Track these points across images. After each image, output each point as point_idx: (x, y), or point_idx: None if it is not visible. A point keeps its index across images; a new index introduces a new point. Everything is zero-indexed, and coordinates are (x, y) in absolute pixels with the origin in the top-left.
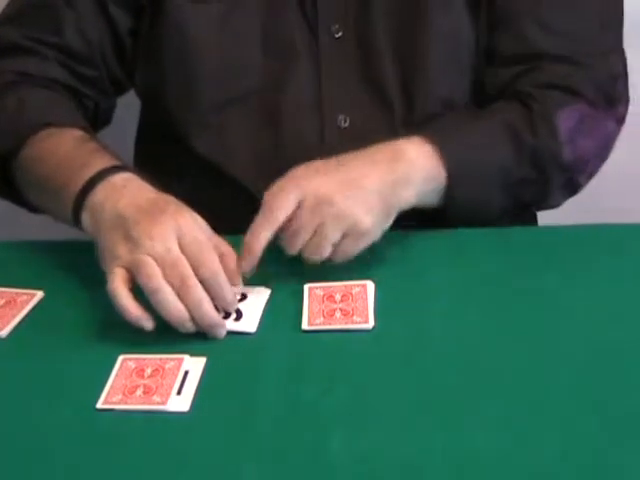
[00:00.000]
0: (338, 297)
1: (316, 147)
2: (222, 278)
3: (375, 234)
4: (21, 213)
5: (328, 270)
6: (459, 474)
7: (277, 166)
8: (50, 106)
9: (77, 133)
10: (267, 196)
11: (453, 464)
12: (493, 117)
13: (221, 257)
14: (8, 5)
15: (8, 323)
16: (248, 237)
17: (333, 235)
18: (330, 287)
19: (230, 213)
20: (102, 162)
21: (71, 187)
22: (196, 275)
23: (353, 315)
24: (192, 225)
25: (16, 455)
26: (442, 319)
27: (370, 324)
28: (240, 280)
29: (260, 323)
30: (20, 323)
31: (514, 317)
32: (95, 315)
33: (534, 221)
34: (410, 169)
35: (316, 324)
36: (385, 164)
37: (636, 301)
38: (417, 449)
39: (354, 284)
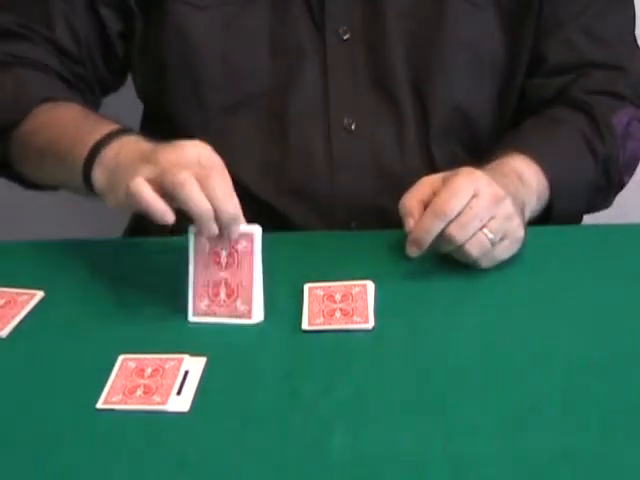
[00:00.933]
0: (338, 297)
1: (322, 149)
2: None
3: (520, 246)
4: (21, 213)
5: (328, 270)
6: (459, 473)
7: (283, 168)
8: (48, 83)
9: (78, 107)
10: (441, 185)
11: (453, 463)
12: (571, 131)
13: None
14: None
15: (8, 323)
16: (418, 226)
17: (498, 233)
18: (330, 287)
19: None
20: (109, 127)
21: (78, 149)
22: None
23: (353, 315)
24: (210, 152)
25: (16, 455)
26: (442, 319)
27: (370, 324)
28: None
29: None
30: (20, 323)
31: (514, 317)
32: (95, 315)
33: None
34: (527, 193)
35: (316, 324)
36: (513, 183)
37: (636, 301)
38: (417, 448)
39: (354, 284)
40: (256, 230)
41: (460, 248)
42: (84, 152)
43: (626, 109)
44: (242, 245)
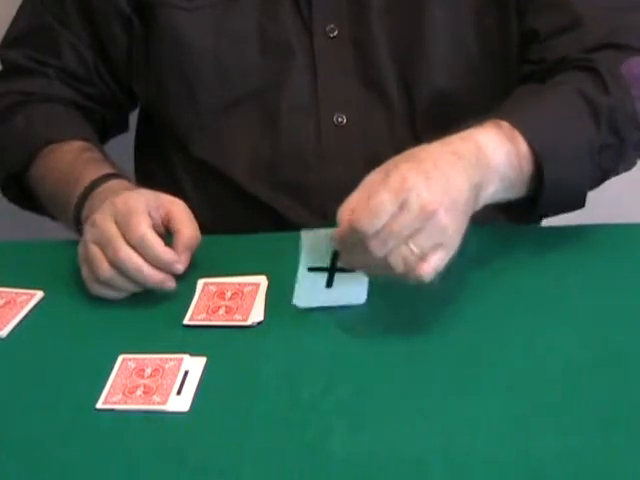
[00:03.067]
0: (229, 294)
1: (313, 145)
2: (149, 238)
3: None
4: (21, 213)
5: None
6: (459, 473)
7: (275, 165)
8: (53, 122)
9: (75, 145)
10: (372, 187)
11: (453, 463)
12: (562, 90)
13: (175, 233)
14: (10, 27)
15: (8, 323)
16: (338, 240)
17: (425, 247)
18: (224, 284)
19: (229, 214)
20: (90, 174)
21: (69, 206)
22: (128, 242)
23: (235, 313)
24: (127, 199)
25: (16, 455)
26: (442, 319)
27: (249, 322)
28: (186, 259)
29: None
30: (20, 323)
31: (514, 317)
32: (95, 315)
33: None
34: (484, 172)
35: (197, 320)
36: (469, 165)
37: (636, 301)
38: (417, 449)
39: (247, 282)
40: (262, 279)
41: (383, 262)
42: (71, 211)
43: (637, 58)
44: (248, 289)
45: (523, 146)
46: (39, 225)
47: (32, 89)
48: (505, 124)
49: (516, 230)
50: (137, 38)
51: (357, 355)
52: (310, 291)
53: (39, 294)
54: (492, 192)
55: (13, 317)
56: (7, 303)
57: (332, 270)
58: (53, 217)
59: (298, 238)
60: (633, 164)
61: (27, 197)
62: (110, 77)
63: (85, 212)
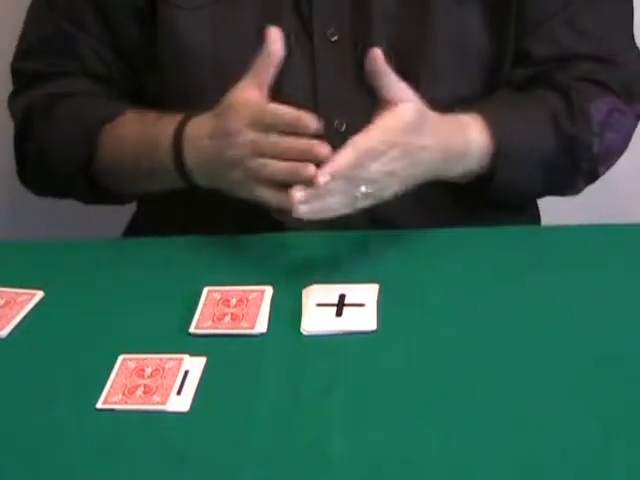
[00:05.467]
0: (234, 302)
1: None
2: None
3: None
4: (21, 213)
5: (328, 270)
6: (459, 474)
7: None
8: (96, 105)
9: (129, 116)
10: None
11: (453, 464)
12: (539, 104)
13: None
14: (20, 42)
15: (8, 323)
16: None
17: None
18: (228, 291)
19: (228, 214)
20: (172, 123)
21: (163, 162)
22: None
23: (242, 321)
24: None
25: (16, 455)
26: (442, 319)
27: (256, 330)
28: None
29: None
30: (20, 323)
31: (514, 317)
32: (95, 315)
33: (537, 221)
34: (467, 148)
35: (203, 327)
36: (450, 138)
37: (636, 301)
38: (417, 449)
39: (252, 289)
40: (267, 288)
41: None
42: (166, 155)
43: (608, 99)
44: (253, 296)
45: (492, 141)
46: (39, 225)
47: (62, 89)
48: (486, 118)
49: (516, 230)
50: (146, 32)
51: (357, 355)
52: (319, 318)
53: (39, 294)
54: (461, 169)
55: (13, 317)
56: (7, 303)
57: (341, 305)
58: (128, 197)
59: (298, 238)
60: (579, 191)
61: (95, 188)
62: (130, 73)
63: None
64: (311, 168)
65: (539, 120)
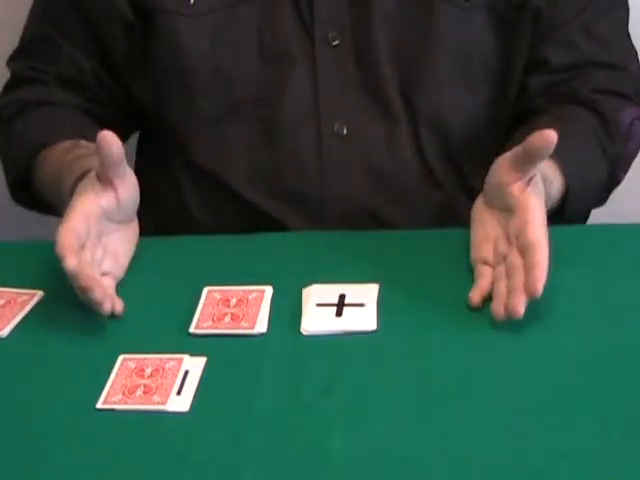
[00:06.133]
0: (234, 301)
1: (313, 154)
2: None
3: None
4: (21, 213)
5: (328, 270)
6: (459, 474)
7: (274, 173)
8: (49, 125)
9: (60, 147)
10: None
11: (453, 464)
12: (585, 129)
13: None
14: (20, 40)
15: (8, 323)
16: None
17: None
18: (228, 291)
19: (228, 219)
20: (69, 178)
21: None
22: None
23: (242, 321)
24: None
25: (16, 455)
26: (443, 319)
27: (256, 330)
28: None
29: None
30: (20, 323)
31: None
32: (95, 315)
33: None
34: (550, 199)
35: (203, 327)
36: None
37: (636, 301)
38: (417, 449)
39: (252, 289)
40: (267, 288)
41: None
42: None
43: (630, 109)
44: (252, 296)
45: (560, 178)
46: (39, 225)
47: (31, 97)
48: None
49: None
50: (137, 42)
51: (357, 355)
52: (319, 318)
53: (39, 294)
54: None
55: (13, 317)
56: (7, 303)
57: (341, 304)
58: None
59: (298, 238)
60: (604, 203)
61: (38, 201)
62: (110, 81)
63: None
64: None
65: (592, 149)
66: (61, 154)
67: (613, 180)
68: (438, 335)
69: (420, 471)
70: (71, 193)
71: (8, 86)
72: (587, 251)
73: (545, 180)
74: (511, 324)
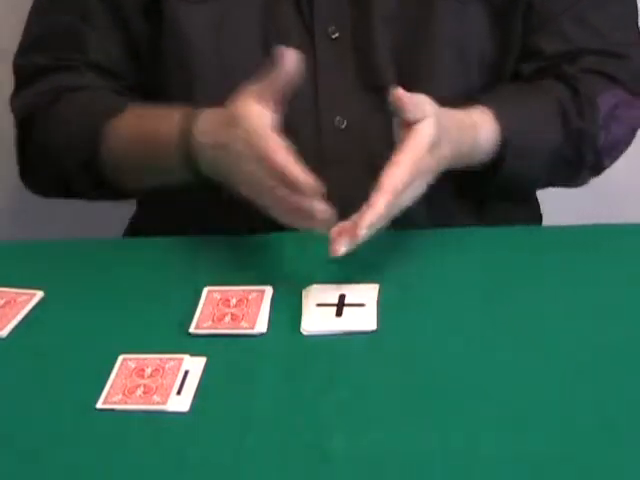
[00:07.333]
0: (234, 302)
1: (313, 147)
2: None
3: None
4: (21, 213)
5: (328, 270)
6: (459, 474)
7: None
8: (100, 98)
9: (132, 110)
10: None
11: (453, 464)
12: (548, 96)
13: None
14: (24, 36)
15: (8, 323)
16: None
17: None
18: (228, 291)
19: (228, 211)
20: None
21: (164, 146)
22: None
23: (242, 321)
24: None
25: (16, 455)
26: (443, 319)
27: (256, 330)
28: None
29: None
30: (20, 323)
31: (515, 317)
32: (95, 315)
33: (539, 221)
34: (476, 146)
35: (203, 327)
36: (461, 139)
37: (636, 301)
38: (417, 449)
39: (252, 289)
40: (267, 288)
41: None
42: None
43: (615, 91)
44: (252, 296)
45: (498, 132)
46: (39, 225)
47: (69, 82)
48: (493, 110)
49: (516, 230)
50: (152, 29)
51: (357, 355)
52: (319, 318)
53: (39, 294)
54: (469, 161)
55: (13, 317)
56: (7, 303)
57: (341, 304)
58: (132, 192)
59: (299, 239)
60: (583, 183)
61: (99, 184)
62: (135, 68)
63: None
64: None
65: (548, 113)
66: (136, 116)
67: (583, 159)
68: (438, 335)
69: (420, 471)
70: (183, 128)
71: (27, 80)
72: (587, 251)
73: (474, 126)
74: (511, 324)
